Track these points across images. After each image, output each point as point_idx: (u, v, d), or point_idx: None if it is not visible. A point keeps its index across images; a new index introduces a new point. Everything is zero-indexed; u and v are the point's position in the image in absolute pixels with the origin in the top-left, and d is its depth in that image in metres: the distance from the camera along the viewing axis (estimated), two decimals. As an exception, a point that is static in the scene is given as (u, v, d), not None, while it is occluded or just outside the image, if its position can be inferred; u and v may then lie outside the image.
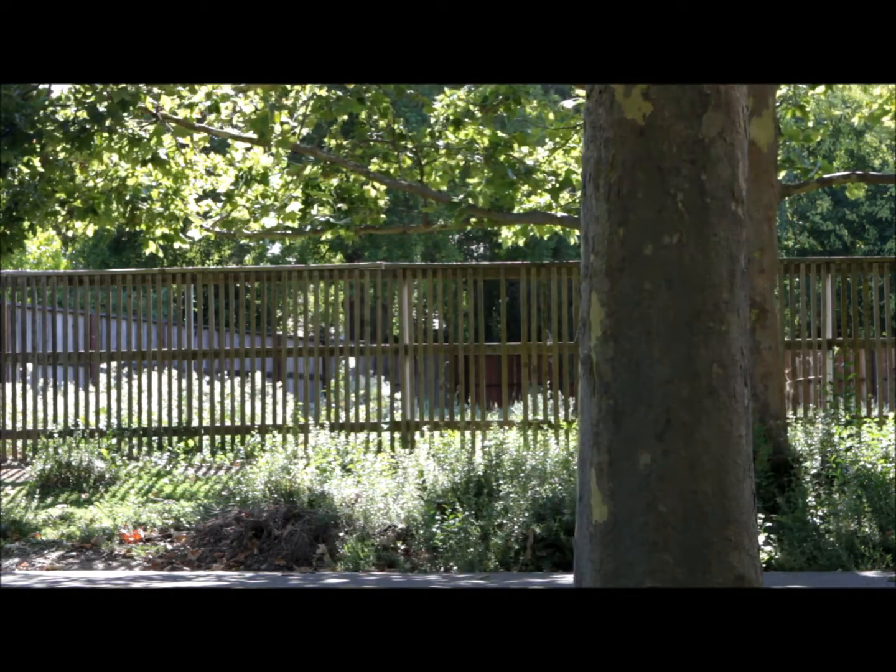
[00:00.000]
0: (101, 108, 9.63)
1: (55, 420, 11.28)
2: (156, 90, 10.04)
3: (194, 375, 11.53)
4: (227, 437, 11.27)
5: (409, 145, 10.67)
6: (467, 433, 10.96)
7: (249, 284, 12.83)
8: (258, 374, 11.41)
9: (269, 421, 11.22)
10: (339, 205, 10.98)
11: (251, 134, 10.51)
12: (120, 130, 9.96)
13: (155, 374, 11.40)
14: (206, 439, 11.29)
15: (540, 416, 10.98)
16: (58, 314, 12.30)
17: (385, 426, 11.15)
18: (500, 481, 8.80)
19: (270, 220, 11.17)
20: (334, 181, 10.99)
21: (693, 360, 3.66)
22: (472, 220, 10.67)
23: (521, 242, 11.60)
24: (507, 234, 11.50)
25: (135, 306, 11.69)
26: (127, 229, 11.22)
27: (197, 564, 8.49)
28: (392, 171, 10.79)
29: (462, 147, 10.45)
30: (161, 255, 11.37)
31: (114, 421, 11.30)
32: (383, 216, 11.28)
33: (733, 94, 3.47)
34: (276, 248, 28.72)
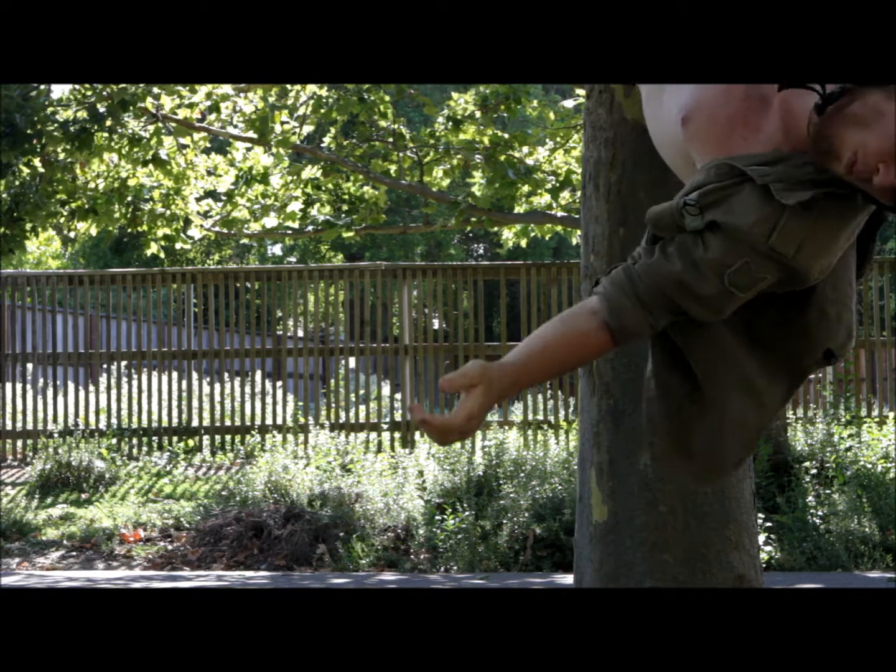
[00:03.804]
0: (101, 108, 9.64)
1: (55, 420, 11.28)
2: (156, 90, 10.04)
3: (194, 375, 11.53)
4: (227, 437, 11.27)
5: (410, 145, 10.67)
6: (467, 433, 10.94)
7: (249, 284, 12.84)
8: (258, 374, 11.41)
9: (269, 421, 11.22)
10: (340, 205, 10.98)
11: (251, 134, 10.51)
12: (120, 130, 9.96)
13: (155, 374, 11.40)
14: (206, 439, 11.28)
15: (540, 416, 10.98)
16: (58, 314, 12.31)
17: (385, 426, 11.15)
18: (500, 481, 8.80)
19: (271, 220, 11.17)
20: (335, 181, 10.99)
21: (693, 360, 3.65)
22: (473, 220, 10.67)
23: (523, 243, 11.59)
24: (508, 236, 11.48)
25: (135, 306, 11.70)
26: (129, 230, 11.21)
27: (197, 564, 8.50)
28: (392, 171, 10.79)
29: (462, 147, 10.45)
30: (162, 255, 11.37)
31: (114, 421, 11.30)
32: (384, 216, 11.27)
33: (733, 94, 3.46)
34: (276, 249, 28.72)
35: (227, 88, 10.46)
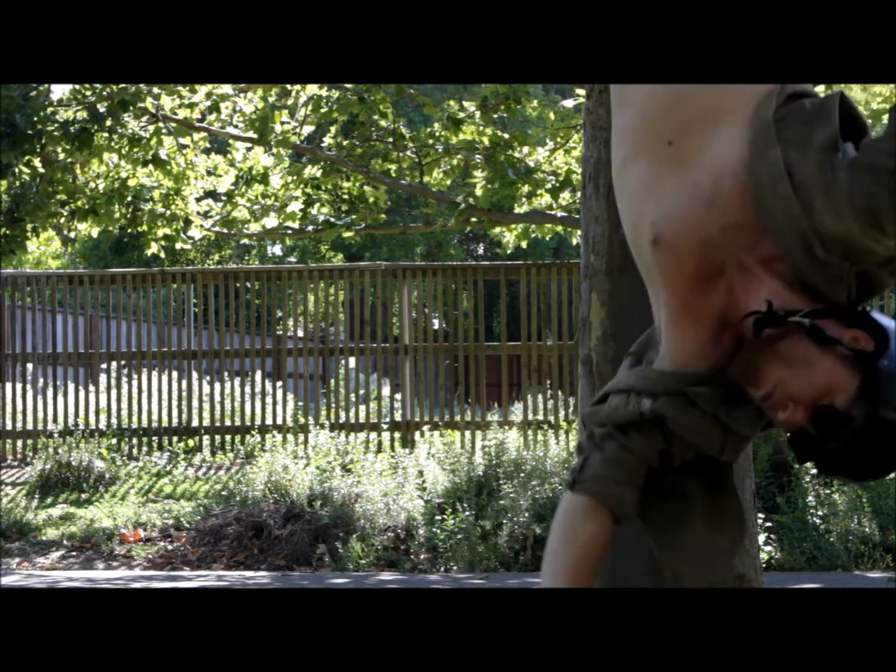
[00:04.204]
0: (101, 108, 9.63)
1: (55, 420, 11.28)
2: (156, 90, 10.03)
3: (194, 375, 11.52)
4: (227, 437, 11.27)
5: (410, 145, 10.66)
6: (467, 433, 10.95)
7: (249, 284, 12.83)
8: (258, 374, 11.41)
9: (269, 421, 11.21)
10: (340, 205, 10.97)
11: (251, 134, 10.51)
12: (120, 130, 9.96)
13: (155, 374, 11.40)
14: (206, 439, 11.28)
15: (540, 416, 10.97)
16: (58, 314, 12.30)
17: (385, 426, 11.14)
18: (500, 481, 8.80)
19: (271, 220, 11.16)
20: (334, 181, 10.98)
21: (693, 360, 3.65)
22: (473, 220, 10.66)
23: (524, 244, 11.56)
24: (509, 238, 11.45)
25: (135, 306, 11.69)
26: (129, 230, 11.21)
27: (197, 564, 8.50)
28: (392, 171, 10.78)
29: (462, 147, 10.44)
30: (162, 255, 11.36)
31: (114, 421, 11.29)
32: (384, 216, 11.26)
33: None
34: (276, 249, 28.71)
35: (227, 88, 10.45)
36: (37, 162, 9.96)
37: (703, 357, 2.33)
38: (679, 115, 2.29)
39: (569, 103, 10.62)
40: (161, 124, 10.23)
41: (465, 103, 10.61)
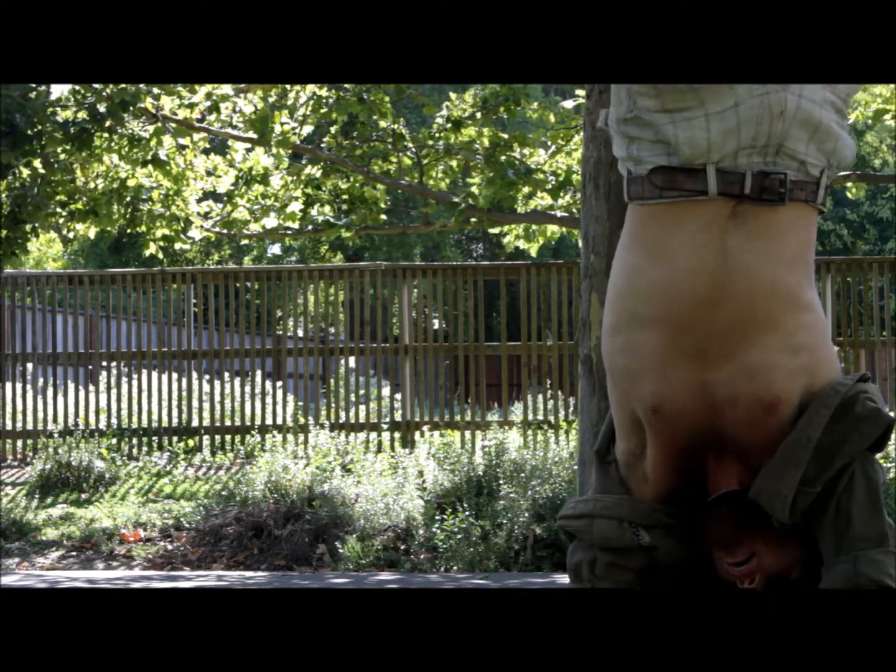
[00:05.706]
0: (101, 108, 9.63)
1: (55, 420, 11.28)
2: (156, 90, 10.02)
3: (194, 375, 11.52)
4: (227, 437, 11.26)
5: (410, 145, 10.65)
6: (467, 433, 10.95)
7: (249, 284, 12.83)
8: (258, 374, 11.41)
9: (269, 421, 11.21)
10: (340, 205, 10.96)
11: (251, 134, 10.50)
12: (120, 131, 9.95)
13: (155, 374, 11.39)
14: (206, 439, 11.28)
15: (540, 416, 10.97)
16: (58, 314, 12.30)
17: (385, 426, 11.14)
18: (500, 481, 8.80)
19: (271, 221, 11.15)
20: (334, 181, 10.97)
21: (693, 360, 3.65)
22: (473, 220, 10.65)
23: (533, 252, 11.52)
24: (510, 239, 11.42)
25: (135, 306, 11.69)
26: (128, 231, 11.20)
27: (197, 564, 8.50)
28: (392, 171, 10.77)
29: (462, 147, 10.44)
30: (161, 255, 11.35)
31: (114, 421, 11.29)
32: (383, 216, 11.26)
33: (733, 94, 3.45)
34: (276, 249, 28.71)
35: (227, 88, 10.45)
36: (37, 163, 9.95)
37: (677, 487, 2.52)
38: (708, 324, 2.43)
39: (569, 104, 10.61)
40: (161, 124, 10.23)
41: (454, 95, 10.59)
